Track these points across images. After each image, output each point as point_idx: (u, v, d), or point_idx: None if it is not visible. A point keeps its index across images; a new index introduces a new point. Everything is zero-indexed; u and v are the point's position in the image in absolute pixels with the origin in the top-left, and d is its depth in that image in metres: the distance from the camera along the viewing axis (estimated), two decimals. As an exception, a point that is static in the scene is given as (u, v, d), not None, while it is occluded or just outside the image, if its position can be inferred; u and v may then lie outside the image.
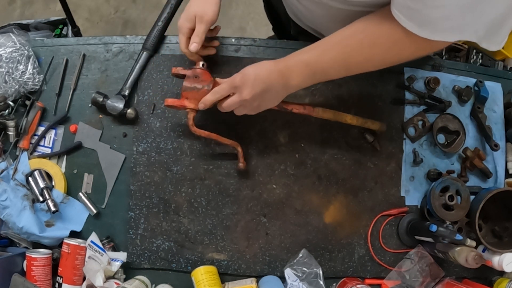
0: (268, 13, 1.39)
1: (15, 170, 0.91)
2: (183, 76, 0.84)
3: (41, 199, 0.89)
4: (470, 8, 0.56)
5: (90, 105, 0.94)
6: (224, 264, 0.93)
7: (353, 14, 0.74)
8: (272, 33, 1.95)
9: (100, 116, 0.95)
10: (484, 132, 0.97)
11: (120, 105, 0.91)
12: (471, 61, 1.08)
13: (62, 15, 1.51)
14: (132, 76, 0.94)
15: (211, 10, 0.83)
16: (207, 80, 0.82)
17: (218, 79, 0.84)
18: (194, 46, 0.83)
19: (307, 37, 0.99)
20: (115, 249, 0.92)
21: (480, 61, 1.11)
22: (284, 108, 0.85)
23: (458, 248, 0.84)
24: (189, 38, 0.84)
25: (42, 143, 0.94)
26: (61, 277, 0.85)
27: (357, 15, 0.73)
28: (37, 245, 0.90)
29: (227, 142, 0.89)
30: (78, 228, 0.92)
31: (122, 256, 0.89)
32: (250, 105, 0.77)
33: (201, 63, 0.84)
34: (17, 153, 0.93)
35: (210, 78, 0.83)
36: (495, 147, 0.94)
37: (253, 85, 0.74)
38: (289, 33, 1.08)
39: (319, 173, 0.95)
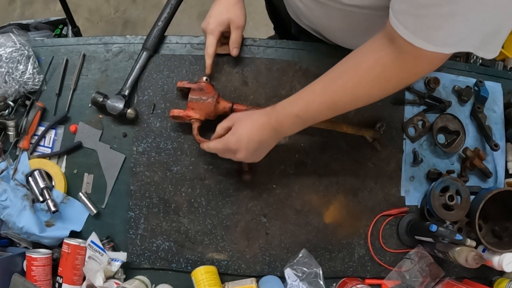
0: (270, 12, 1.40)
1: (15, 170, 0.91)
2: (188, 90, 0.89)
3: (41, 199, 0.89)
4: (467, 25, 0.56)
5: (90, 105, 0.94)
6: (224, 264, 0.93)
7: (351, 14, 0.74)
8: (272, 33, 1.95)
9: (100, 116, 0.95)
10: (484, 132, 0.97)
11: (120, 105, 0.91)
12: (471, 61, 1.08)
13: (62, 15, 1.51)
14: (132, 76, 0.94)
15: (243, 15, 0.90)
16: (211, 92, 0.87)
17: (221, 99, 0.88)
18: (235, 51, 0.92)
19: (307, 37, 0.99)
20: (115, 249, 0.92)
21: (480, 61, 1.11)
22: None
23: (458, 248, 0.84)
24: (219, 41, 0.90)
25: (42, 143, 0.94)
26: (61, 277, 0.85)
27: (355, 15, 0.74)
28: (37, 245, 0.90)
29: None
30: (78, 228, 0.92)
31: (122, 256, 0.89)
32: (247, 160, 0.82)
33: (204, 77, 0.90)
34: (17, 153, 0.93)
35: (213, 91, 0.88)
36: (495, 147, 0.94)
37: (247, 147, 0.78)
38: (290, 32, 1.08)
39: (319, 173, 0.95)
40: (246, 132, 0.77)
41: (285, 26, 1.18)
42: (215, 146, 0.82)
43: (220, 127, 0.82)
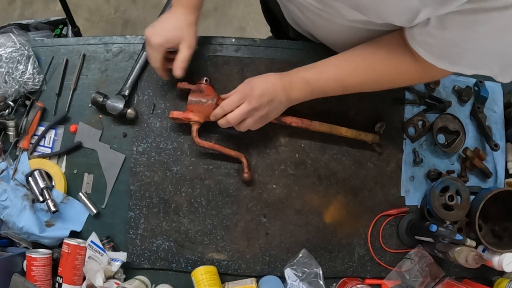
0: (266, 15, 1.39)
1: (15, 170, 0.91)
2: (188, 90, 0.88)
3: (41, 199, 0.89)
4: (489, 55, 0.60)
5: (90, 105, 0.94)
6: (224, 264, 0.93)
7: (354, 29, 0.75)
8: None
9: (100, 116, 0.95)
10: (484, 132, 0.97)
11: (120, 105, 0.91)
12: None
13: (62, 15, 1.51)
14: (132, 76, 0.94)
15: (195, 35, 0.84)
16: (211, 94, 0.86)
17: (222, 95, 0.86)
18: (179, 72, 0.83)
19: (305, 41, 0.98)
20: (115, 249, 0.92)
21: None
22: (283, 122, 0.89)
23: (458, 248, 0.84)
24: (164, 58, 0.84)
25: (42, 143, 0.94)
26: (61, 277, 0.85)
27: (359, 30, 0.75)
28: (37, 245, 0.90)
29: (231, 154, 0.90)
30: (78, 228, 0.92)
31: (122, 256, 0.89)
32: (258, 114, 0.80)
33: (204, 78, 0.89)
34: (17, 153, 0.93)
35: (213, 93, 0.87)
36: (495, 147, 0.94)
37: (261, 94, 0.78)
38: (288, 34, 1.07)
39: (319, 173, 0.95)
40: (260, 82, 0.79)
41: (282, 29, 1.17)
42: (232, 99, 0.80)
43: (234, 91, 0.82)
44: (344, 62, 0.77)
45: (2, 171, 0.90)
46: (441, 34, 0.59)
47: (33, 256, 0.83)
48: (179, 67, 0.83)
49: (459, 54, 0.62)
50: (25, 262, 0.85)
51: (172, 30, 0.82)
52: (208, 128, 0.91)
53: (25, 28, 1.41)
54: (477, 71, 0.64)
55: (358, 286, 0.86)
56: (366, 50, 0.75)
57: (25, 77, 0.92)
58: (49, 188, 0.91)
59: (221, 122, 0.83)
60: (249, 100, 0.78)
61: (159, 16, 0.86)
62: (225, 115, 0.82)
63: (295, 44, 0.98)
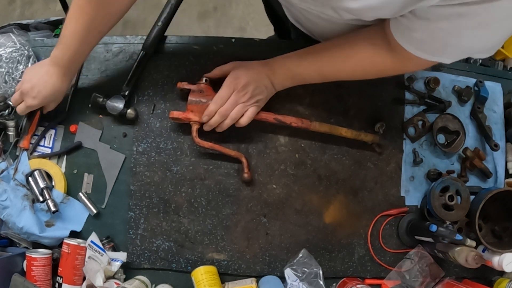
0: (269, 15, 1.39)
1: (15, 170, 0.91)
2: (188, 90, 0.88)
3: (41, 199, 0.89)
4: (474, 44, 0.62)
5: (90, 105, 0.94)
6: (224, 264, 0.93)
7: (352, 27, 0.76)
8: (272, 33, 1.95)
9: (100, 116, 0.95)
10: (484, 132, 0.97)
11: (120, 105, 0.91)
12: (471, 61, 1.08)
13: (62, 15, 1.50)
14: (132, 76, 0.94)
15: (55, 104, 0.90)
16: (211, 94, 0.87)
17: None
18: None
19: (307, 40, 0.98)
20: (115, 249, 0.92)
21: (480, 61, 1.10)
22: (283, 122, 0.89)
23: (458, 248, 0.84)
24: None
25: (42, 143, 0.94)
26: (61, 277, 0.85)
27: (356, 28, 0.76)
28: (37, 245, 0.90)
29: (231, 154, 0.90)
30: (78, 228, 0.92)
31: (122, 256, 0.89)
32: (249, 102, 0.84)
33: (204, 78, 0.89)
34: (17, 153, 0.93)
35: (213, 93, 0.87)
36: (495, 147, 0.94)
37: (247, 82, 0.82)
38: (290, 34, 1.08)
39: (319, 173, 0.95)
40: (245, 72, 0.84)
41: (285, 28, 1.18)
42: (220, 93, 0.84)
43: (219, 68, 0.88)
44: (322, 51, 0.80)
45: (2, 171, 0.90)
46: (424, 25, 0.60)
47: (33, 256, 0.83)
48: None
49: (440, 45, 0.63)
50: (25, 262, 0.85)
51: (49, 97, 0.86)
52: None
53: (25, 28, 1.41)
54: (455, 60, 0.66)
55: (358, 286, 0.86)
56: (345, 40, 0.77)
57: (25, 77, 0.92)
58: (49, 188, 0.91)
59: (215, 119, 0.85)
60: (237, 91, 0.83)
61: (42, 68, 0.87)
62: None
63: (295, 45, 0.98)
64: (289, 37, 1.09)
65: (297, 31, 0.98)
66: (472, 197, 0.89)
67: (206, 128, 0.87)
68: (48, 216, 0.90)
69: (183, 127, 0.94)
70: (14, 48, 0.91)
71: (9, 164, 0.92)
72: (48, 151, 0.94)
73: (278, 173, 0.95)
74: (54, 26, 1.50)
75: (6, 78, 0.91)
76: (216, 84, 0.87)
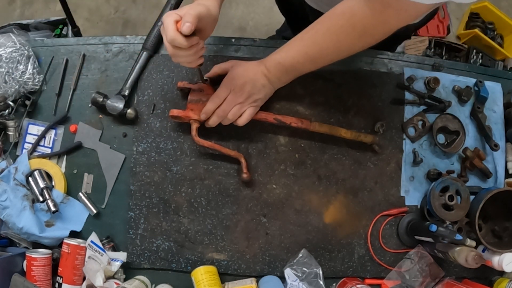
0: (281, 7, 1.38)
1: (16, 170, 0.91)
2: (188, 90, 0.89)
3: (41, 199, 0.89)
4: None
5: (90, 105, 0.94)
6: (224, 264, 0.93)
7: None
8: (272, 33, 1.95)
9: (100, 116, 0.95)
10: (484, 132, 0.97)
11: (120, 105, 0.91)
12: (471, 61, 1.08)
13: (62, 15, 1.51)
14: (132, 76, 0.94)
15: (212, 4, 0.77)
16: (211, 93, 0.87)
17: None
18: (187, 26, 0.67)
19: None
20: (115, 249, 0.92)
21: (480, 61, 1.11)
22: (283, 122, 0.89)
23: (458, 248, 0.84)
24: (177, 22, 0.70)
25: (42, 143, 0.94)
26: (61, 277, 0.85)
27: None
28: (37, 245, 0.90)
29: (231, 154, 0.90)
30: (78, 228, 0.92)
31: (122, 256, 0.89)
32: (246, 101, 0.84)
33: (204, 78, 0.89)
34: (17, 153, 0.93)
35: (213, 92, 0.87)
36: (495, 147, 0.94)
37: (244, 82, 0.83)
38: (306, 21, 1.07)
39: (319, 173, 0.95)
40: (241, 72, 0.84)
41: (300, 15, 1.16)
42: (218, 92, 0.85)
43: (218, 66, 0.88)
44: (305, 33, 0.80)
45: (2, 171, 0.90)
46: None
47: (33, 256, 0.83)
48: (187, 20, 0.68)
49: None
50: (25, 262, 0.85)
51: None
52: (208, 127, 0.91)
53: (25, 28, 1.41)
54: (435, 1, 0.63)
55: (358, 286, 0.86)
56: (324, 15, 0.77)
57: (25, 77, 0.92)
58: (49, 188, 0.91)
59: (214, 120, 0.85)
60: (234, 91, 0.83)
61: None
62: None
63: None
64: (304, 25, 1.08)
65: (315, 13, 0.97)
66: (472, 197, 0.89)
67: (206, 126, 0.87)
68: (48, 216, 0.90)
69: (183, 127, 0.94)
70: (14, 48, 0.91)
71: (9, 164, 0.92)
72: (48, 151, 0.94)
73: (278, 173, 0.95)
74: (54, 26, 1.50)
75: (6, 78, 0.91)
76: (216, 84, 0.88)
